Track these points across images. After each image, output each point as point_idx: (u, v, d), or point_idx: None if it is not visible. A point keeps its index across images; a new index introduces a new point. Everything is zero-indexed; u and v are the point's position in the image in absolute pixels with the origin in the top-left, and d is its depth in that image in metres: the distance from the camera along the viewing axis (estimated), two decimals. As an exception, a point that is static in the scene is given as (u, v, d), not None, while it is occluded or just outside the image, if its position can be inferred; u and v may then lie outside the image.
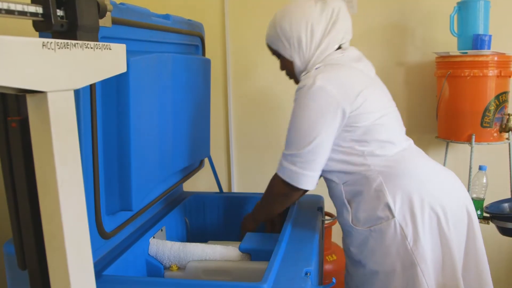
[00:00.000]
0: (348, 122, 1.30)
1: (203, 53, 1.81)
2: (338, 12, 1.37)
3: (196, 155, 1.72)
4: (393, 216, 1.26)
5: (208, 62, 1.77)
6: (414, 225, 1.26)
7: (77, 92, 0.96)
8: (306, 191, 1.37)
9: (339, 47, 1.41)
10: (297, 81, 1.44)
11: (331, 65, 1.34)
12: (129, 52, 0.95)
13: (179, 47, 1.62)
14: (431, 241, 1.27)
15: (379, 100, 1.36)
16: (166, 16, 1.48)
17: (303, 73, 1.38)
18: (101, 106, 1.12)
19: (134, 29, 1.23)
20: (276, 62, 1.51)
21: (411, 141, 1.44)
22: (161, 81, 1.36)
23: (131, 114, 1.16)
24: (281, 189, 1.37)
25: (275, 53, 1.47)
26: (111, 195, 1.18)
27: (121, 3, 1.16)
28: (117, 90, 1.13)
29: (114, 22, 1.04)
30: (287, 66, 1.45)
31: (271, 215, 1.51)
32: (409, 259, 1.26)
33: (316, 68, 1.34)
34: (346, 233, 1.40)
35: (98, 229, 1.11)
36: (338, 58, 1.36)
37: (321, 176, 1.38)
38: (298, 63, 1.40)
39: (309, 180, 1.31)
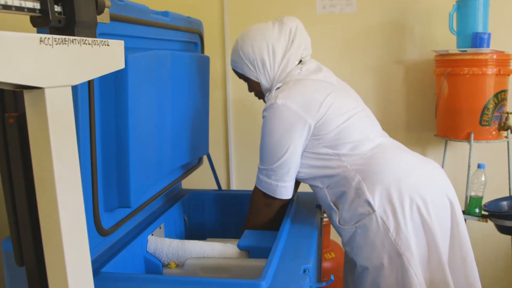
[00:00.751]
0: (315, 131, 1.36)
1: (202, 51, 1.81)
2: (295, 31, 1.46)
3: (195, 152, 1.72)
4: (374, 211, 1.31)
5: (207, 59, 1.76)
6: (395, 217, 1.30)
7: (75, 89, 0.96)
8: (287, 200, 1.44)
9: (300, 61, 1.47)
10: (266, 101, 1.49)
11: (292, 81, 1.40)
12: (127, 49, 0.94)
13: (178, 44, 1.61)
14: (414, 231, 1.30)
15: (344, 102, 1.42)
16: (165, 13, 1.47)
17: (267, 94, 1.44)
18: (99, 103, 1.11)
19: (132, 25, 1.23)
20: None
21: (387, 136, 1.49)
22: (160, 78, 1.35)
23: (129, 111, 1.15)
24: (262, 200, 1.45)
25: (242, 76, 1.54)
26: (109, 191, 1.18)
27: (119, 0, 1.15)
28: (115, 87, 1.13)
29: (112, 18, 1.04)
30: (255, 88, 1.53)
31: (260, 228, 1.48)
32: (394, 250, 1.29)
33: (276, 88, 1.40)
34: (339, 234, 1.43)
35: (96, 226, 1.11)
36: (297, 74, 1.42)
37: (306, 182, 1.46)
38: (264, 83, 1.48)
39: (284, 191, 1.41)
